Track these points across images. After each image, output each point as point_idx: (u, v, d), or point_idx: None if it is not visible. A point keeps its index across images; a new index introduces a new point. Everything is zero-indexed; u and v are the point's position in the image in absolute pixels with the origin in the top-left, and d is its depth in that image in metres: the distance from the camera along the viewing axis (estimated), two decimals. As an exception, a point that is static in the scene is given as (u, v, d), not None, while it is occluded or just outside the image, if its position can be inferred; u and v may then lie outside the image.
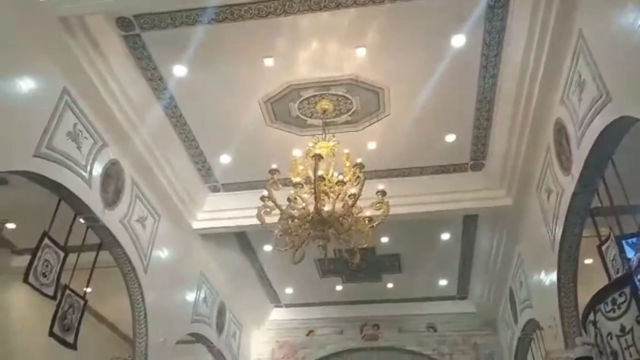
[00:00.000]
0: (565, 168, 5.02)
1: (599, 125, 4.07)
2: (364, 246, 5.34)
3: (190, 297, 8.12)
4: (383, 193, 5.25)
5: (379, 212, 5.25)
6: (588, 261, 6.64)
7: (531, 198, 6.37)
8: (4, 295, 7.89)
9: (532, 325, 7.25)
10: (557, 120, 5.08)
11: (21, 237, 7.54)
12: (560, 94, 4.89)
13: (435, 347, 10.36)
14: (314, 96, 6.01)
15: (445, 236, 8.53)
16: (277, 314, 11.29)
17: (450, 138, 6.65)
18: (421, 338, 10.51)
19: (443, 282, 10.10)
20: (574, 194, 4.85)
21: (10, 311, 8.08)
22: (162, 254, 7.13)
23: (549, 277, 5.88)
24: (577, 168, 4.67)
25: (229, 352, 9.69)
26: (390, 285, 10.25)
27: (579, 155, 4.56)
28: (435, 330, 10.53)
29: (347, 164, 5.45)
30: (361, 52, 5.44)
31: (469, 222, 8.08)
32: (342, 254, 7.76)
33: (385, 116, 6.29)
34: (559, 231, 5.35)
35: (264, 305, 10.98)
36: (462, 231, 8.37)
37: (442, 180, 7.24)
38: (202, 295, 8.55)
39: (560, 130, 5.03)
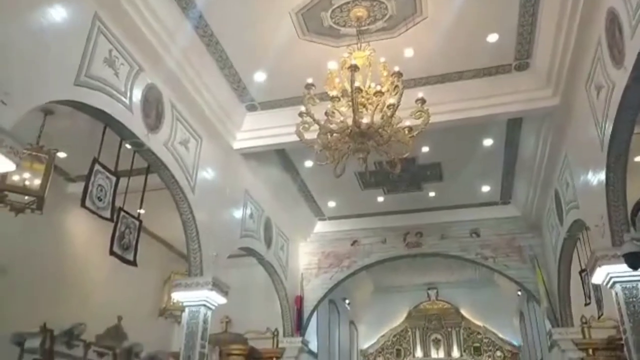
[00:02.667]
0: (617, 61, 4.71)
1: (657, 11, 3.75)
2: (405, 156, 5.33)
3: (237, 214, 8.45)
4: (422, 101, 5.13)
5: (419, 121, 5.17)
6: (638, 159, 6.42)
7: (579, 96, 6.08)
8: (65, 221, 8.43)
9: (578, 226, 7.22)
10: (609, 10, 4.70)
11: (73, 165, 7.89)
12: (615, -21, 4.48)
13: (478, 252, 10.54)
14: (346, 3, 5.74)
15: (488, 142, 8.37)
16: (322, 227, 11.67)
17: (493, 38, 6.31)
18: (464, 243, 10.70)
19: (485, 188, 10.06)
20: (627, 88, 4.58)
21: (72, 235, 8.67)
22: (207, 174, 7.35)
23: (597, 177, 5.74)
24: (630, 60, 4.37)
25: (278, 263, 10.21)
26: (432, 194, 10.30)
27: (633, 46, 4.25)
28: (479, 236, 10.67)
29: (384, 73, 5.29)
30: (394, -51, 5.09)
31: (513, 126, 7.86)
32: (383, 166, 7.79)
33: (422, 19, 5.98)
34: (608, 128, 5.13)
35: (308, 219, 11.33)
36: (506, 135, 8.17)
37: (484, 83, 6.97)
38: (249, 211, 8.87)
39: (612, 21, 4.67)
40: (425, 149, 8.58)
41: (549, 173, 8.21)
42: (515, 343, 14.81)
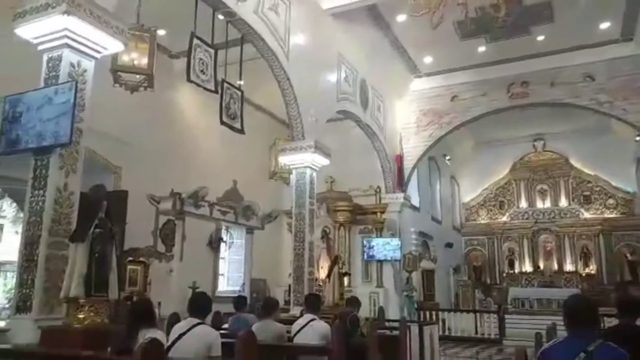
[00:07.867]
0: None
1: None
2: (510, -4, 4.85)
3: (332, 77, 8.44)
4: None
5: (527, -47, 4.58)
6: None
7: None
8: (176, 96, 8.97)
9: None
10: None
11: (173, 42, 8.16)
12: None
13: (592, 97, 9.77)
14: None
15: (610, -32, 7.29)
16: (418, 84, 11.35)
17: None
18: (576, 89, 9.92)
19: (604, 25, 8.98)
20: None
21: (184, 109, 9.27)
22: (299, 39, 7.28)
23: None
24: None
25: (375, 124, 10.29)
26: (540, 37, 9.43)
27: None
28: (593, 79, 9.78)
29: None
30: None
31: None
32: (485, 10, 7.15)
33: None
34: None
35: (404, 77, 11.04)
36: (632, -41, 7.04)
37: None
38: (343, 74, 8.81)
39: None
40: (533, -13, 7.69)
41: (684, -1, 7.09)
42: (629, 190, 14.21)
